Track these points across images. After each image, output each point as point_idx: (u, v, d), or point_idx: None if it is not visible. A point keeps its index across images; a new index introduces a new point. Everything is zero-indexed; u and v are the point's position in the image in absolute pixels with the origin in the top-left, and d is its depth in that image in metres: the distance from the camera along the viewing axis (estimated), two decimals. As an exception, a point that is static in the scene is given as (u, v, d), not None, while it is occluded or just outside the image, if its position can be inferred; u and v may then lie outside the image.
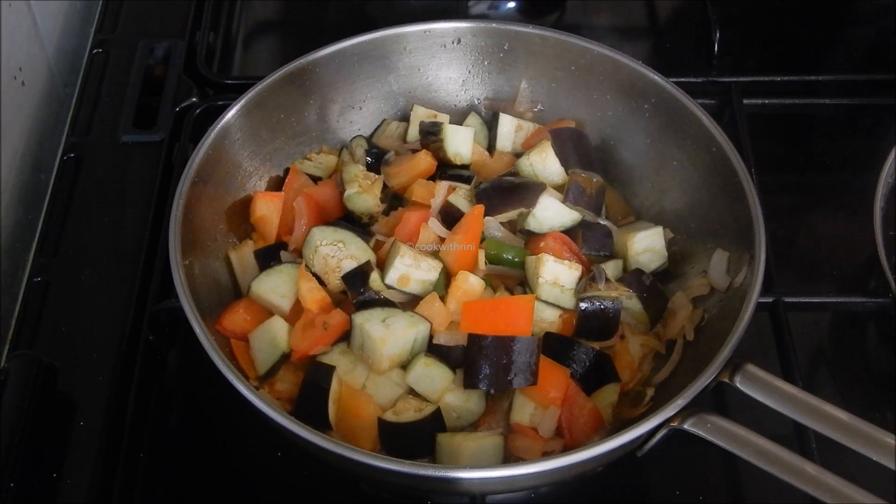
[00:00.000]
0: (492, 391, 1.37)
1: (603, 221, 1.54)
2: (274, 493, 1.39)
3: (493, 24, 1.63)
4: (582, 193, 1.51)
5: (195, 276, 1.37)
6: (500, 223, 1.50)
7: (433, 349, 1.38)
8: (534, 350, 1.33)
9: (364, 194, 1.53)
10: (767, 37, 2.01)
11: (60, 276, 1.57)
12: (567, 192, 1.51)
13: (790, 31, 2.01)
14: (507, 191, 1.51)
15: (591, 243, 1.50)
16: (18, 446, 1.32)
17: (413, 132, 1.64)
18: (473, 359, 1.33)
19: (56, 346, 1.49)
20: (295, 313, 1.43)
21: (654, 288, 1.46)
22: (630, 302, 1.44)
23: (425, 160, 1.57)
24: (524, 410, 1.35)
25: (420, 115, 1.65)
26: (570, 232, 1.51)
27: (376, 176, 1.55)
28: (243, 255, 1.51)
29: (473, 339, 1.34)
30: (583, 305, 1.42)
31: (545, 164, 1.55)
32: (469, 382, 1.34)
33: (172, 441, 1.45)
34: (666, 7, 2.08)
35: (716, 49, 1.85)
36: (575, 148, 1.57)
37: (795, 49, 1.97)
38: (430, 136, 1.59)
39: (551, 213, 1.50)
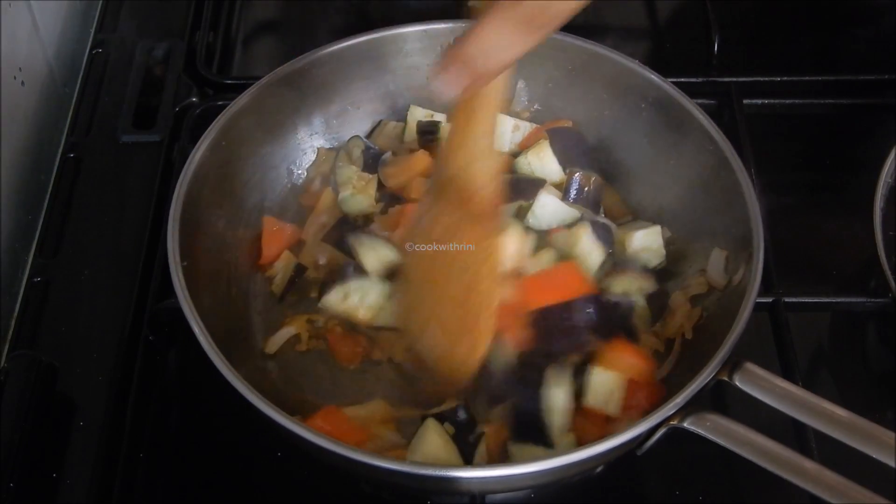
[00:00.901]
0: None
1: (602, 219, 1.54)
2: (274, 493, 1.39)
3: (492, 24, 1.63)
4: (581, 191, 1.52)
5: (195, 276, 1.37)
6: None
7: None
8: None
9: (358, 195, 1.53)
10: (767, 37, 2.00)
11: (60, 276, 1.57)
12: (567, 190, 1.51)
13: (790, 31, 2.01)
14: (505, 185, 1.50)
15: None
16: (18, 446, 1.31)
17: (410, 132, 1.65)
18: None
19: (56, 346, 1.49)
20: None
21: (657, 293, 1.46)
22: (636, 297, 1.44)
23: (423, 159, 1.57)
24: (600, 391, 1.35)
25: (417, 115, 1.65)
26: (569, 229, 1.51)
27: (370, 176, 1.55)
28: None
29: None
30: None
31: (543, 163, 1.55)
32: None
33: (172, 441, 1.45)
34: (666, 7, 2.08)
35: (716, 49, 1.85)
36: (572, 147, 1.57)
37: (795, 49, 1.97)
38: (428, 134, 1.59)
39: (550, 210, 1.50)
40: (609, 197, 1.59)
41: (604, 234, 1.48)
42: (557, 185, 1.54)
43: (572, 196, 1.51)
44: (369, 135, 1.67)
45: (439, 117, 1.65)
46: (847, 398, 1.44)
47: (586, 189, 1.52)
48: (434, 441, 1.30)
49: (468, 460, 1.30)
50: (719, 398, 1.43)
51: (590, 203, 1.53)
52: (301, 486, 1.40)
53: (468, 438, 1.32)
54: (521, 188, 1.51)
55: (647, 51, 2.03)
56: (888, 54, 1.86)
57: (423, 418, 1.33)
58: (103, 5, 1.98)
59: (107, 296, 1.55)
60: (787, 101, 1.83)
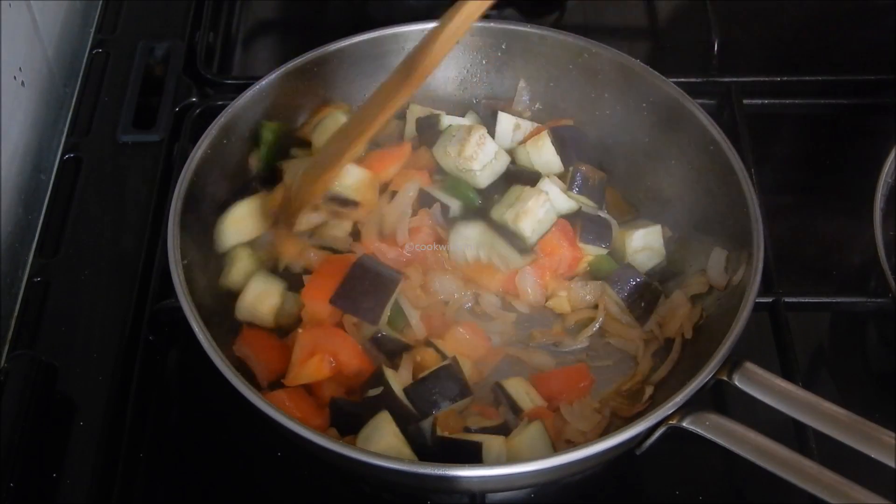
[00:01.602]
0: None
1: (604, 215, 1.55)
2: (274, 493, 1.39)
3: (491, 24, 1.63)
4: (585, 182, 1.52)
5: (195, 275, 1.37)
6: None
7: None
8: None
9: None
10: (767, 37, 2.00)
11: (60, 276, 1.57)
12: (571, 181, 1.52)
13: (790, 31, 2.01)
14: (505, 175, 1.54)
15: (589, 233, 1.50)
16: (18, 446, 1.31)
17: (410, 129, 1.64)
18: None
19: (56, 346, 1.48)
20: None
21: (640, 287, 1.47)
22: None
23: (407, 149, 1.58)
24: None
25: (416, 113, 1.65)
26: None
27: None
28: None
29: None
30: None
31: (541, 153, 1.55)
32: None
33: (172, 441, 1.45)
34: (666, 7, 2.08)
35: (716, 49, 1.85)
36: (574, 146, 1.57)
37: (795, 49, 1.97)
38: (429, 129, 1.59)
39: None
40: (610, 196, 1.59)
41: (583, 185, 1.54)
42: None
43: (576, 187, 1.51)
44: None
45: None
46: (847, 398, 1.44)
47: (590, 182, 1.52)
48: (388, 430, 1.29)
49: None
50: (719, 398, 1.43)
51: (593, 195, 1.53)
52: (301, 486, 1.40)
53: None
54: (524, 179, 1.52)
55: (648, 51, 2.03)
56: (888, 54, 1.86)
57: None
58: (103, 5, 1.98)
59: (107, 296, 1.55)
60: (787, 101, 1.83)
